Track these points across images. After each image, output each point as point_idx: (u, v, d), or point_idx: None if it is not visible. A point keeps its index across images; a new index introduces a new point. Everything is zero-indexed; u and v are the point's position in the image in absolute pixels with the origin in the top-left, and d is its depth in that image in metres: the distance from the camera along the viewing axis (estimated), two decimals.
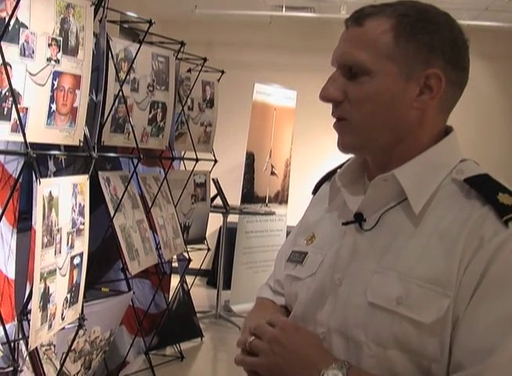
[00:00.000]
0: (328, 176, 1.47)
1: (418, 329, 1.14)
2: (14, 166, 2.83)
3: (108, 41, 3.63)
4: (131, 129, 3.86)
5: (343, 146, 1.29)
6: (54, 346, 3.21)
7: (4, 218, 2.78)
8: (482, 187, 1.20)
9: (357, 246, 1.28)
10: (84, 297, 3.61)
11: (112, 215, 3.76)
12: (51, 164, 3.30)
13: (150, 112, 4.14)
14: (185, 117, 4.96)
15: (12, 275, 2.89)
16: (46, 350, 3.17)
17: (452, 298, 1.13)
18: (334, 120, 1.30)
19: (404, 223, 1.24)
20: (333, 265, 1.31)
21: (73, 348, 3.38)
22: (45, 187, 2.51)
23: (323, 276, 1.32)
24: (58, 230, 2.62)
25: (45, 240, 2.51)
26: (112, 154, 3.85)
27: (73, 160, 3.47)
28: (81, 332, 3.40)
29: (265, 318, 1.29)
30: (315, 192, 1.56)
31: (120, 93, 3.70)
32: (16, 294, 2.93)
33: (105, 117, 3.67)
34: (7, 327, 2.80)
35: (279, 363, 1.21)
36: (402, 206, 1.26)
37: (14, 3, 2.41)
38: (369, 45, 1.22)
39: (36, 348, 3.02)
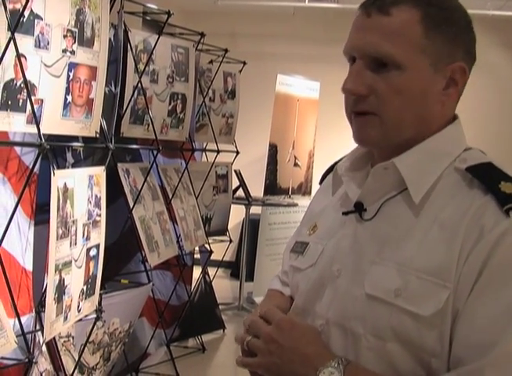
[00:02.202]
0: (335, 166, 1.43)
1: (416, 321, 1.12)
2: (31, 158, 2.82)
3: (127, 33, 3.62)
4: (152, 120, 3.85)
5: (364, 141, 1.26)
6: (72, 338, 3.22)
7: (21, 209, 2.79)
8: (484, 176, 1.16)
9: (357, 236, 1.25)
10: (104, 288, 3.63)
11: (131, 207, 3.75)
12: (69, 155, 3.30)
13: (170, 103, 4.13)
14: (207, 109, 4.94)
15: (29, 266, 2.90)
16: (64, 342, 3.18)
17: (451, 290, 1.10)
18: None
19: (404, 213, 1.21)
20: (333, 255, 1.28)
21: (91, 339, 3.39)
22: (59, 178, 2.50)
23: (323, 267, 1.30)
24: (73, 222, 2.62)
25: (60, 231, 2.51)
26: (129, 146, 3.84)
27: (91, 151, 3.47)
28: (99, 324, 3.40)
29: (260, 311, 1.28)
30: (321, 182, 1.53)
31: (139, 85, 3.69)
32: (33, 285, 2.94)
33: (124, 109, 3.66)
34: (25, 318, 2.81)
35: (277, 362, 1.19)
36: (402, 195, 1.22)
37: None
38: (400, 37, 1.17)
39: (54, 339, 3.03)
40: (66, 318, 2.64)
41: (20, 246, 2.78)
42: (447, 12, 1.19)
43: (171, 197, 4.44)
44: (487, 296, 1.08)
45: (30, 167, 2.81)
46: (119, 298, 3.54)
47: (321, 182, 1.53)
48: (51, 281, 2.46)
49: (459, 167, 1.20)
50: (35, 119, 2.37)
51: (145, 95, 3.76)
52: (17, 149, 2.71)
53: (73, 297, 2.68)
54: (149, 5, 3.99)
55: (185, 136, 4.37)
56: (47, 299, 2.44)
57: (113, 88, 3.52)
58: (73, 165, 3.32)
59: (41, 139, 2.37)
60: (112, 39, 3.47)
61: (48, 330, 2.45)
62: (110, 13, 3.00)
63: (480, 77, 1.31)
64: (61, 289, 2.55)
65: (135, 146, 3.92)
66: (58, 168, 3.08)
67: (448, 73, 1.20)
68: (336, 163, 1.43)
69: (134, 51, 3.69)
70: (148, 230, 3.98)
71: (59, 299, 2.54)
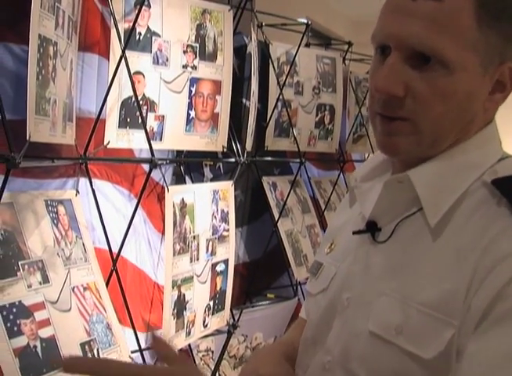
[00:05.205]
0: None
1: (419, 365, 0.93)
2: (159, 174, 2.85)
3: (268, 46, 3.60)
4: (294, 133, 3.78)
5: (392, 151, 1.07)
6: (212, 352, 3.22)
7: (151, 225, 2.83)
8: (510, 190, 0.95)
9: (369, 261, 1.08)
10: (251, 303, 3.62)
11: (276, 221, 3.70)
12: (207, 170, 3.32)
13: (317, 115, 4.04)
14: (364, 119, 4.80)
15: (162, 281, 2.93)
16: (203, 356, 3.19)
17: (457, 328, 0.91)
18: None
19: (421, 236, 1.02)
20: (343, 281, 1.11)
21: (233, 354, 3.37)
22: (175, 194, 2.51)
23: (333, 294, 1.13)
24: (194, 237, 2.61)
25: (178, 247, 2.50)
26: (265, 158, 3.75)
27: (232, 166, 3.46)
28: (241, 338, 3.39)
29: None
30: None
31: (282, 97, 3.64)
32: None
33: (267, 122, 3.63)
34: (158, 332, 2.84)
35: None
36: (422, 213, 1.03)
37: (144, 14, 2.44)
38: (451, 28, 0.98)
39: (191, 353, 3.04)
40: (188, 333, 2.63)
41: (151, 261, 2.82)
42: (504, 2, 0.99)
43: (323, 209, 4.35)
44: (492, 336, 0.88)
45: (161, 182, 2.86)
46: (262, 312, 3.51)
47: None
48: (167, 297, 2.46)
49: (487, 180, 1.00)
50: (146, 135, 2.39)
51: (286, 107, 3.71)
52: (144, 165, 2.75)
53: (197, 312, 2.67)
54: (303, 19, 3.95)
55: (334, 148, 4.26)
56: (163, 315, 2.45)
57: (253, 102, 3.49)
58: (212, 180, 3.34)
59: (152, 154, 2.38)
60: (252, 52, 3.46)
61: None
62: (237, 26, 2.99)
63: None
64: (181, 305, 2.55)
65: (269, 158, 3.82)
66: (192, 182, 3.12)
67: (496, 75, 1.01)
68: None
69: (276, 63, 3.66)
70: (295, 244, 3.92)
71: (178, 315, 2.53)
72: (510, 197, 0.95)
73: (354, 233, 1.13)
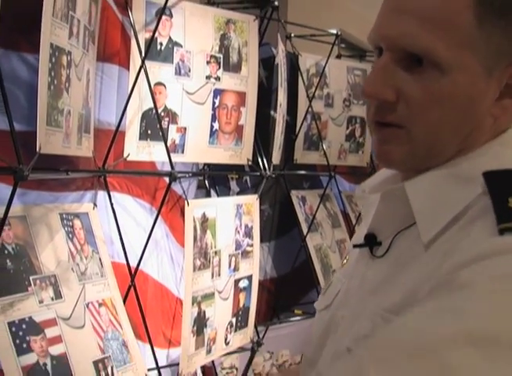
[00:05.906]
0: None
1: None
2: (184, 187, 2.79)
3: (297, 57, 3.54)
4: (324, 146, 3.70)
5: (385, 160, 0.99)
6: (236, 369, 3.15)
7: (174, 239, 2.78)
8: (497, 185, 0.85)
9: (365, 276, 1.00)
10: (278, 319, 3.55)
11: (304, 235, 3.62)
12: (233, 184, 3.26)
13: (347, 128, 3.96)
14: None
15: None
16: (227, 373, 3.11)
17: None
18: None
19: (415, 250, 0.93)
20: (342, 298, 1.05)
21: (258, 371, 3.29)
22: (195, 208, 2.44)
23: (333, 311, 1.06)
24: (215, 253, 2.53)
25: (198, 262, 2.43)
26: (295, 172, 3.67)
27: (260, 179, 3.40)
28: (267, 355, 3.31)
29: None
30: None
31: (311, 109, 3.57)
32: None
33: (295, 135, 3.56)
34: (180, 349, 2.78)
35: None
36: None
37: (166, 23, 2.40)
38: (445, 26, 0.89)
39: (215, 370, 2.98)
40: (209, 351, 2.56)
41: (174, 276, 2.76)
42: None
43: (354, 223, 4.25)
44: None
45: (184, 196, 2.80)
46: (288, 329, 3.43)
47: None
48: (187, 314, 2.39)
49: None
50: (166, 147, 2.33)
51: (315, 120, 3.63)
52: (166, 179, 2.70)
53: (218, 330, 2.60)
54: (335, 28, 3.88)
55: (366, 161, 4.17)
56: (182, 332, 2.38)
57: (280, 114, 3.42)
58: (239, 194, 3.28)
59: (172, 167, 2.33)
60: (281, 64, 3.40)
61: (184, 363, 2.38)
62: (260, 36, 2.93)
63: None
64: (201, 322, 2.48)
65: (296, 172, 3.73)
66: (218, 196, 3.06)
67: (504, 78, 0.91)
68: None
69: (306, 75, 3.60)
70: (324, 259, 3.83)
71: (198, 332, 2.46)
72: (491, 189, 0.84)
73: (354, 246, 1.06)
